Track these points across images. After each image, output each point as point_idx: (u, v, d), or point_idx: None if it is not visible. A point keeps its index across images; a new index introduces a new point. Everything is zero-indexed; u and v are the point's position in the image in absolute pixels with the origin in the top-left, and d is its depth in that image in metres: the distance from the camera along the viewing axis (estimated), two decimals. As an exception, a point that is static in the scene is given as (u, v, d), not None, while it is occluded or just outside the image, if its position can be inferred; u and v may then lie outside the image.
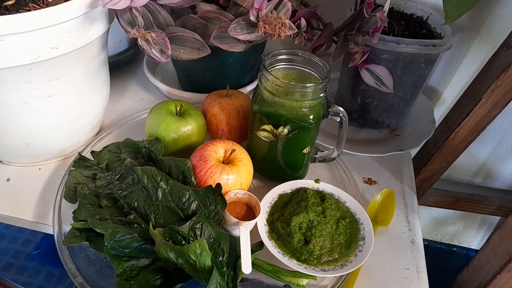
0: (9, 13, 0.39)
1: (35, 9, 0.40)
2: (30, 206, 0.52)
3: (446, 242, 1.12)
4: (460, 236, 1.09)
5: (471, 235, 1.09)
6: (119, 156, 0.54)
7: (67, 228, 0.47)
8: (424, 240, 1.13)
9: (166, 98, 0.71)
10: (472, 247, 1.11)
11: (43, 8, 0.41)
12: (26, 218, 0.50)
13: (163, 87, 0.69)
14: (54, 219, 0.47)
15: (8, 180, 0.55)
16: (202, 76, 0.67)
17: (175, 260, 0.40)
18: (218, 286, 0.38)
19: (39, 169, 0.56)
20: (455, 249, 1.12)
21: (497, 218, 1.00)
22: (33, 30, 0.39)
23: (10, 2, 0.40)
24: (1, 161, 0.57)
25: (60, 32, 0.42)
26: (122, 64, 0.75)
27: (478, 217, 1.03)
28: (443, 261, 1.10)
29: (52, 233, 0.49)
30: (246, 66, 0.68)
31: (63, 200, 0.49)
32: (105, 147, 0.55)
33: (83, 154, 0.55)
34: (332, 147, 0.57)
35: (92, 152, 0.55)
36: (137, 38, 0.46)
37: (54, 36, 0.41)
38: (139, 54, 0.78)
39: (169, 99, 0.70)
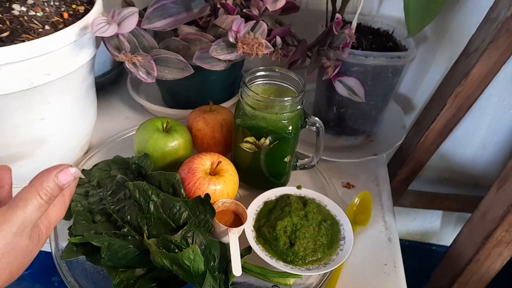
0: (5, 44, 0.42)
1: (28, 40, 0.43)
2: (25, 225, 0.53)
3: (425, 241, 1.17)
4: (438, 234, 1.14)
5: (448, 233, 1.14)
6: (109, 173, 0.56)
7: (63, 244, 0.49)
8: (403, 240, 1.18)
9: (151, 115, 0.74)
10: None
11: (35, 38, 0.44)
12: (21, 237, 0.52)
13: (148, 105, 0.71)
14: (50, 236, 0.49)
15: (1, 201, 0.56)
16: (185, 93, 0.70)
17: (170, 267, 0.42)
18: (211, 289, 0.41)
19: (32, 189, 0.58)
20: (434, 247, 1.17)
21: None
22: (28, 59, 0.42)
23: (5, 34, 0.43)
24: (-7, 184, 0.58)
25: (52, 59, 0.45)
26: (106, 85, 0.77)
27: (454, 215, 1.08)
28: (422, 260, 1.15)
29: (47, 251, 0.52)
30: (226, 82, 0.72)
31: (58, 217, 0.51)
32: (95, 165, 0.57)
33: (74, 173, 0.57)
34: (311, 155, 0.60)
35: (83, 171, 0.57)
36: (123, 61, 0.49)
37: (47, 64, 0.44)
38: (122, 74, 0.81)
39: (154, 116, 0.73)
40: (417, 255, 1.14)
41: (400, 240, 0.57)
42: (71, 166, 0.33)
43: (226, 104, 0.72)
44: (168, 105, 0.74)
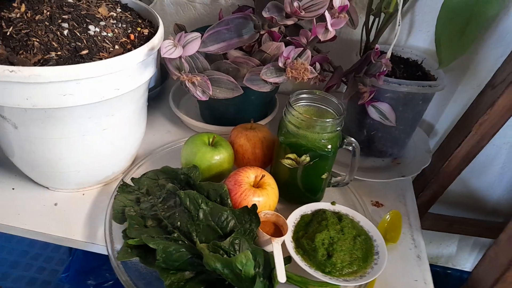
0: (85, 61, 0.47)
1: (105, 58, 0.48)
2: (79, 227, 0.57)
3: (441, 265, 1.18)
4: (454, 259, 1.16)
5: (464, 257, 1.16)
6: (157, 182, 0.60)
7: (117, 246, 0.53)
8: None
9: (190, 130, 0.78)
10: (465, 269, 1.18)
11: (109, 56, 0.49)
12: (76, 238, 0.56)
13: (188, 120, 0.76)
14: (106, 238, 0.53)
15: (56, 204, 0.61)
16: (224, 111, 0.75)
17: (221, 270, 0.46)
18: (260, 292, 0.45)
19: (83, 194, 0.62)
20: (449, 271, 1.18)
21: (488, 240, 1.08)
22: (104, 75, 0.47)
23: (84, 52, 0.48)
24: (47, 188, 0.63)
25: (123, 76, 0.49)
26: (150, 101, 0.82)
27: (471, 240, 1.10)
28: (439, 284, 1.16)
29: (99, 252, 0.56)
30: (263, 102, 0.76)
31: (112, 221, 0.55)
32: (144, 174, 0.62)
33: (123, 180, 0.61)
34: (344, 174, 0.64)
35: (133, 179, 0.62)
36: (180, 80, 0.54)
37: (118, 79, 0.49)
38: (164, 91, 0.86)
39: (193, 131, 0.78)
40: (433, 278, 1.16)
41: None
42: None
43: (262, 123, 0.77)
44: (206, 121, 0.79)
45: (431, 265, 1.17)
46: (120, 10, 0.56)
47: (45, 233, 0.57)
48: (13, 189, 0.63)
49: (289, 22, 0.52)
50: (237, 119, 0.71)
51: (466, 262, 1.17)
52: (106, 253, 0.53)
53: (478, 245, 1.11)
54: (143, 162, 0.67)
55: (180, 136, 0.75)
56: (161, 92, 0.85)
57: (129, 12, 0.57)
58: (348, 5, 0.50)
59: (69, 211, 0.60)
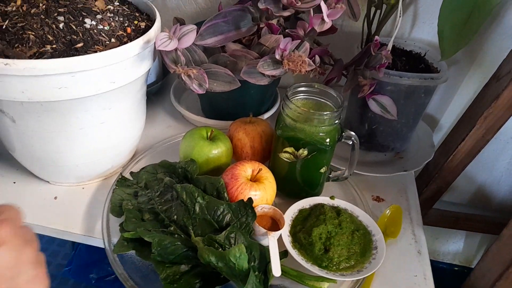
0: (80, 54, 0.47)
1: (100, 51, 0.48)
2: (78, 221, 0.58)
3: (447, 261, 1.17)
4: (461, 255, 1.15)
5: (471, 255, 1.14)
6: (156, 176, 0.60)
7: (114, 239, 0.53)
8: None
9: (191, 125, 0.78)
10: (473, 267, 1.16)
11: (104, 49, 0.49)
12: (75, 232, 0.56)
13: (189, 115, 0.76)
14: (103, 232, 0.53)
15: (55, 198, 0.61)
16: (224, 105, 0.75)
17: (216, 264, 0.46)
18: (254, 286, 0.44)
19: (83, 188, 0.63)
20: (456, 268, 1.17)
21: (495, 237, 1.06)
22: (99, 68, 0.47)
23: (79, 45, 0.48)
24: (48, 182, 0.63)
25: (119, 69, 0.49)
26: (151, 95, 0.82)
27: (477, 236, 1.08)
28: (444, 280, 1.15)
29: (97, 245, 0.56)
30: (264, 96, 0.76)
31: (109, 214, 0.55)
32: (143, 168, 0.62)
33: (122, 174, 0.61)
34: (344, 168, 0.64)
35: (131, 173, 0.62)
36: (176, 73, 0.54)
37: (113, 72, 0.49)
38: (165, 85, 0.86)
39: (193, 125, 0.78)
40: (439, 275, 1.14)
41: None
42: None
43: (262, 117, 0.76)
44: (207, 115, 0.78)
45: (437, 262, 1.16)
46: (117, 3, 0.56)
47: (45, 226, 0.57)
48: (14, 183, 0.63)
49: (286, 13, 0.52)
50: (238, 113, 0.71)
51: (474, 259, 1.15)
52: (103, 247, 0.53)
53: (485, 241, 1.10)
54: (143, 156, 0.67)
55: (180, 130, 0.75)
56: (162, 87, 0.85)
57: (126, 6, 0.57)
58: (345, -4, 0.49)
59: (68, 205, 0.60)
